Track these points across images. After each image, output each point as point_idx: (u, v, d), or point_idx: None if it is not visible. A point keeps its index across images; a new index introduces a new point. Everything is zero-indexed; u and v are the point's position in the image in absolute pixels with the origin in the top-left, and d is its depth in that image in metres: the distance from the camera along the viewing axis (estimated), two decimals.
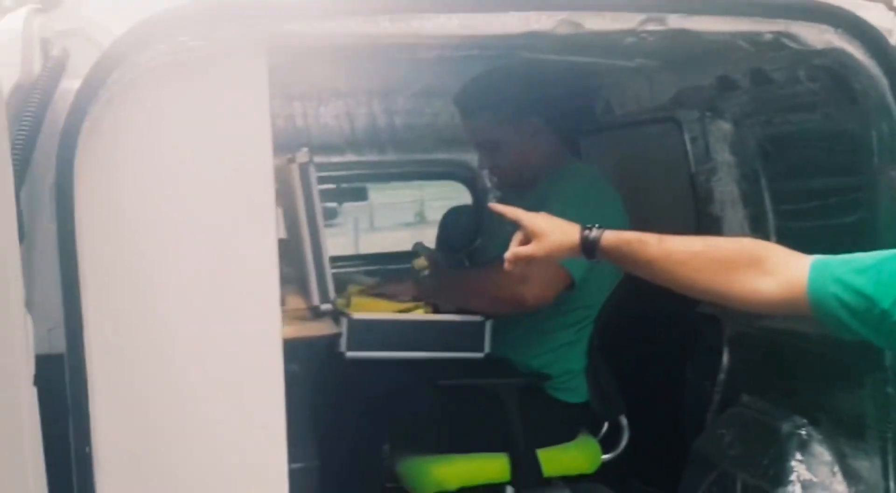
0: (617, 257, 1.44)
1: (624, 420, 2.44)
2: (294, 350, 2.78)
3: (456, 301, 2.20)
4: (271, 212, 1.46)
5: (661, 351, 2.74)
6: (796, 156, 2.23)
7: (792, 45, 1.62)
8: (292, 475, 2.76)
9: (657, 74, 2.45)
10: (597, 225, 1.46)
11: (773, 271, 1.30)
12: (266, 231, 1.45)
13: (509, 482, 2.22)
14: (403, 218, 12.38)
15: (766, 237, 2.41)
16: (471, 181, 3.27)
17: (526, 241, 1.51)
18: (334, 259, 3.63)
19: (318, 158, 1.99)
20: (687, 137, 2.54)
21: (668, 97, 2.46)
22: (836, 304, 1.21)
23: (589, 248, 1.44)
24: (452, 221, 3.14)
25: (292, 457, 2.80)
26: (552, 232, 1.49)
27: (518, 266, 1.53)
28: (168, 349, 1.41)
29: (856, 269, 1.22)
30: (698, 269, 1.35)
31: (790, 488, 2.16)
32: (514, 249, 1.52)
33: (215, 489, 1.46)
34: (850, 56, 1.61)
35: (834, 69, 1.71)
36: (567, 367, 2.22)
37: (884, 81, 1.60)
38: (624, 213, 2.22)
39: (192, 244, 1.41)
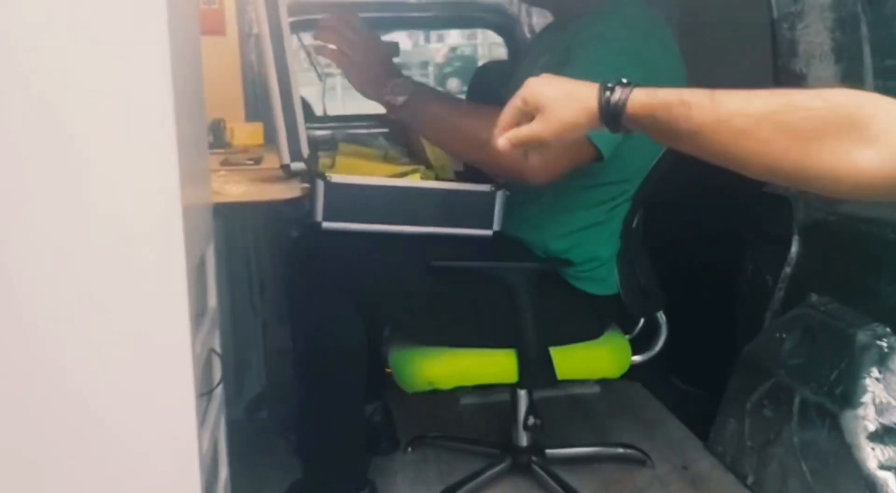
0: (652, 126, 1.04)
1: (662, 317, 2.05)
2: (262, 217, 2.50)
3: (444, 142, 1.79)
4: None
5: (714, 237, 2.32)
6: None
7: None
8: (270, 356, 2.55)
9: None
10: (624, 80, 1.04)
11: (880, 138, 0.91)
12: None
13: (517, 384, 1.88)
14: None
15: None
16: (507, 30, 2.78)
17: (528, 116, 1.10)
18: (353, 118, 3.29)
19: None
20: None
21: None
22: None
23: (612, 116, 1.04)
24: (484, 79, 2.68)
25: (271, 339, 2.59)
26: (562, 103, 1.08)
27: (519, 149, 1.13)
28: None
29: None
30: (767, 139, 0.95)
31: (860, 411, 1.76)
32: (513, 129, 1.11)
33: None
34: None
35: None
36: (594, 252, 1.82)
37: None
38: (680, 67, 1.75)
39: None
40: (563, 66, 1.57)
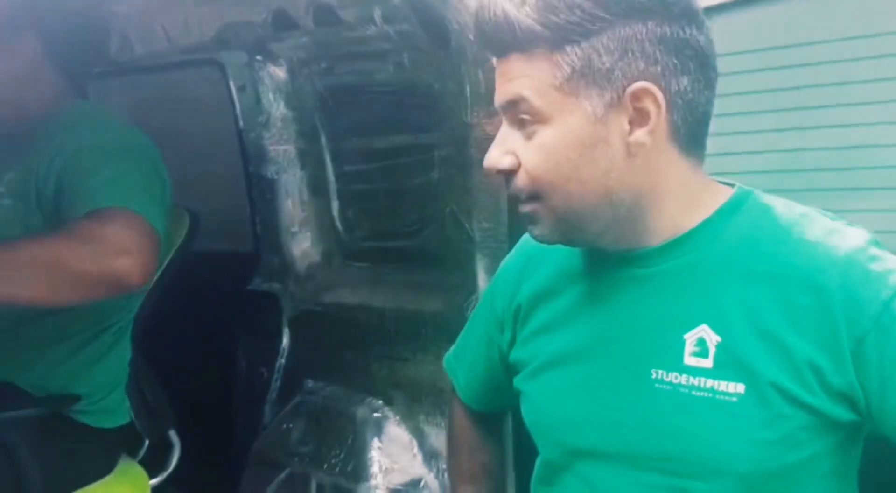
0: None
1: (174, 435, 1.96)
2: None
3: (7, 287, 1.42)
4: None
5: (210, 342, 2.32)
6: (362, 111, 1.99)
7: None
8: None
9: (196, 5, 1.98)
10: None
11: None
12: None
13: None
14: None
15: (326, 201, 2.16)
16: None
17: None
18: None
19: None
20: (233, 86, 2.13)
21: (208, 35, 2.01)
22: None
23: None
24: None
25: None
26: None
27: None
28: None
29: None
30: None
31: (372, 481, 1.94)
32: None
33: None
34: None
35: (428, 4, 1.47)
36: (101, 382, 1.66)
37: None
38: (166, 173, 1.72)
39: None
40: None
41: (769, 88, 1.27)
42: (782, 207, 0.94)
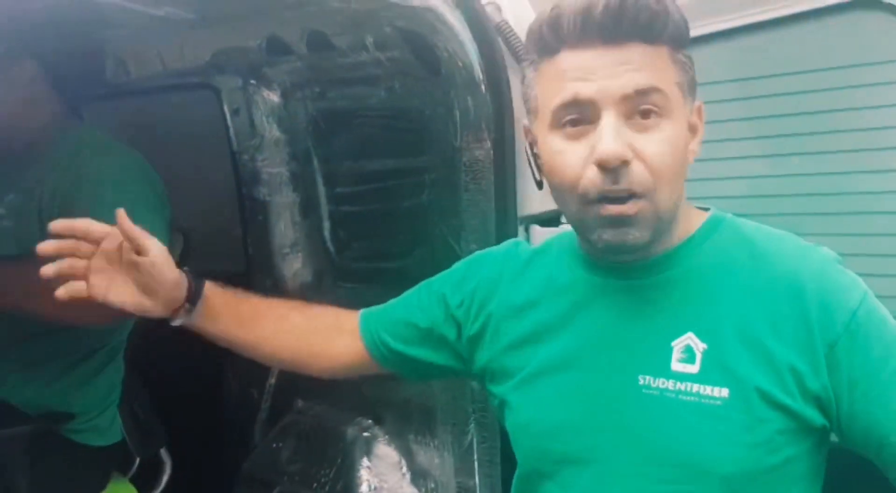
0: (217, 311, 1.21)
1: (164, 453, 1.98)
2: None
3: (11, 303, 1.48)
4: None
5: (201, 362, 2.33)
6: (354, 134, 2.03)
7: None
8: None
9: (191, 30, 2.02)
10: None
11: (344, 328, 1.23)
12: None
13: None
14: None
15: (318, 223, 2.19)
16: None
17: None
18: None
19: None
20: (227, 109, 2.17)
21: (203, 59, 2.05)
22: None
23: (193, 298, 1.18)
24: None
25: None
26: (170, 265, 1.15)
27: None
28: None
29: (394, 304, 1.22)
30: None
31: None
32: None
33: None
34: (442, 18, 1.41)
35: (419, 33, 1.51)
36: (94, 400, 1.68)
37: (474, 51, 1.43)
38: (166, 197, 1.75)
39: None
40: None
41: (744, 116, 1.32)
42: (754, 227, 1.00)
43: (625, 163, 0.88)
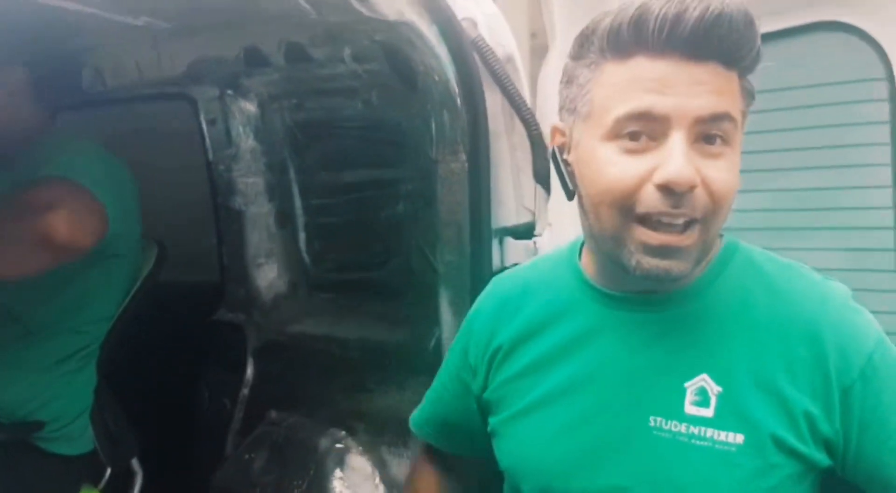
0: None
1: (136, 464, 1.97)
2: None
3: None
4: None
5: (174, 372, 2.32)
6: (331, 145, 2.04)
7: (361, 9, 1.38)
8: None
9: (167, 40, 2.03)
10: None
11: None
12: None
13: None
14: None
15: (293, 233, 2.19)
16: None
17: None
18: None
19: None
20: (203, 119, 2.17)
21: (179, 69, 2.05)
22: None
23: None
24: None
25: None
26: None
27: None
28: None
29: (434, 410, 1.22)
30: None
31: None
32: None
33: None
34: (419, 33, 1.43)
35: (396, 47, 1.53)
36: (65, 408, 1.67)
37: (450, 66, 1.45)
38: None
39: None
40: None
41: None
42: (765, 257, 0.96)
43: (691, 188, 0.83)
